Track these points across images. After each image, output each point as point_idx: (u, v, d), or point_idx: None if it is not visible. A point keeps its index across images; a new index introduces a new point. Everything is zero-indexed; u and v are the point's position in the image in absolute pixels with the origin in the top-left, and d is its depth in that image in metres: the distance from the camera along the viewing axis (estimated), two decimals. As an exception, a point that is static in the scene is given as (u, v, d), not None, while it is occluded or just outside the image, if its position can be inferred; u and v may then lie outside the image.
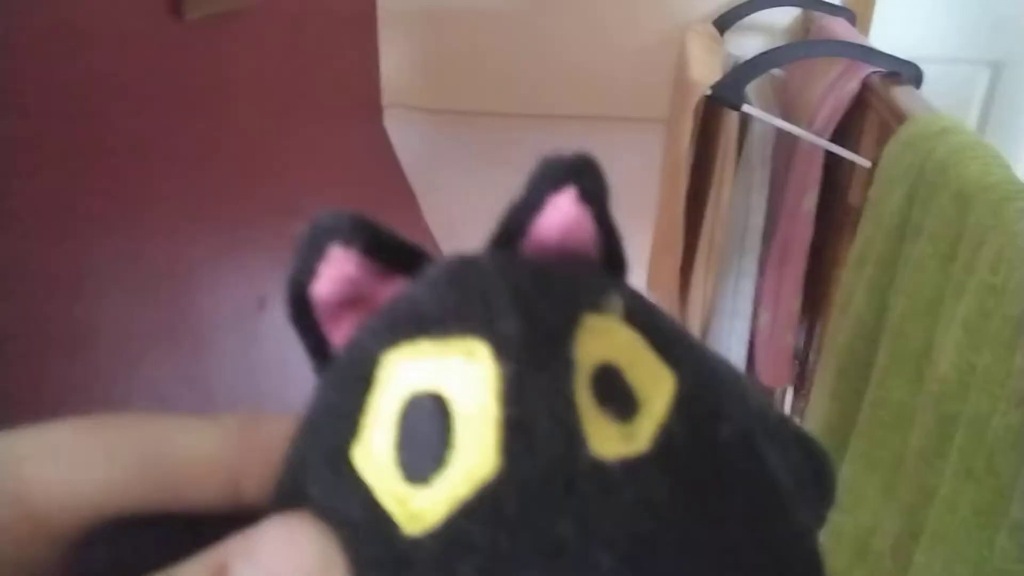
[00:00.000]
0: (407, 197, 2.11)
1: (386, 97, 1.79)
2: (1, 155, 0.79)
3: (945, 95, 1.22)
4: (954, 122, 0.94)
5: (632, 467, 0.16)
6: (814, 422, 1.11)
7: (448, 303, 0.19)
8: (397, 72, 1.78)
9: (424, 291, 0.19)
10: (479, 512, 0.16)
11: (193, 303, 1.13)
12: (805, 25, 1.56)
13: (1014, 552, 0.60)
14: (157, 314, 1.04)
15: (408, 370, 0.18)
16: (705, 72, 1.25)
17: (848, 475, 0.95)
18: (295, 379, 1.47)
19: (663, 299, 1.42)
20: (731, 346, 1.40)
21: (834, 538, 0.98)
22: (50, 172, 0.85)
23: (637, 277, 1.57)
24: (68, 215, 0.88)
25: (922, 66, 1.17)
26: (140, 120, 1.00)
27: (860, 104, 1.23)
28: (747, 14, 1.52)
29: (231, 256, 1.23)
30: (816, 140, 1.19)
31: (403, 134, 1.86)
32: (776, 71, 1.41)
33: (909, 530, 0.81)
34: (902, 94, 1.11)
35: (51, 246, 0.85)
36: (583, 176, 0.21)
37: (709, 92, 1.21)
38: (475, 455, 0.16)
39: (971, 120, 1.54)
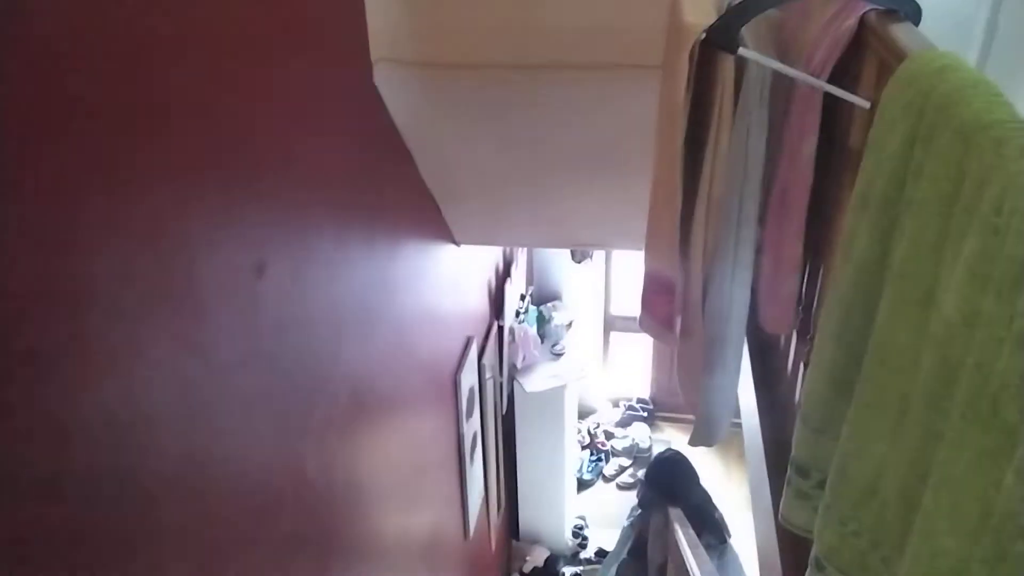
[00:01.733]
0: (402, 153, 2.08)
1: (375, 51, 1.76)
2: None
3: (943, 32, 1.19)
4: (954, 59, 0.92)
5: None
6: (818, 367, 1.11)
7: None
8: (383, 23, 1.74)
9: None
10: None
11: (192, 267, 1.12)
12: (800, -37, 1.52)
13: (1021, 493, 0.60)
14: (155, 278, 1.04)
15: None
16: (699, 15, 1.23)
17: (854, 420, 0.96)
18: (295, 341, 1.47)
19: (665, 248, 1.41)
20: (734, 294, 1.39)
21: (841, 481, 0.98)
22: (45, 134, 0.84)
23: (639, 226, 1.56)
24: (62, 179, 0.86)
25: (921, 1, 1.14)
26: (132, 82, 0.98)
27: (858, 43, 1.20)
28: (741, -47, 1.48)
29: (229, 223, 1.22)
30: (814, 82, 1.17)
31: (394, 89, 1.83)
32: (771, 11, 1.38)
33: (915, 473, 0.81)
34: (900, 31, 1.09)
35: (45, 209, 0.84)
36: None
37: (703, 36, 1.18)
38: None
39: (971, 56, 1.51)
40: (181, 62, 1.09)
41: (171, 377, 1.07)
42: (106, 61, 0.94)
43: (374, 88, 1.81)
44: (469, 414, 3.13)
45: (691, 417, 1.68)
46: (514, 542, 4.73)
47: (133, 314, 0.99)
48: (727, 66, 1.19)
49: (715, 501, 3.32)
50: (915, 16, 1.12)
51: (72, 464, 0.89)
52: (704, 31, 1.17)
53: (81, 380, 0.90)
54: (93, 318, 0.92)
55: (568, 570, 4.63)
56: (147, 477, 1.03)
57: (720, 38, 1.18)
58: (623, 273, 5.53)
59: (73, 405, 0.89)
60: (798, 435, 1.21)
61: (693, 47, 1.18)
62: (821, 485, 1.16)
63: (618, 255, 5.48)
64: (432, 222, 2.48)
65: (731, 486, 5.07)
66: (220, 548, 1.23)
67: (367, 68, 1.78)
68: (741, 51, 1.16)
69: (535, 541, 4.72)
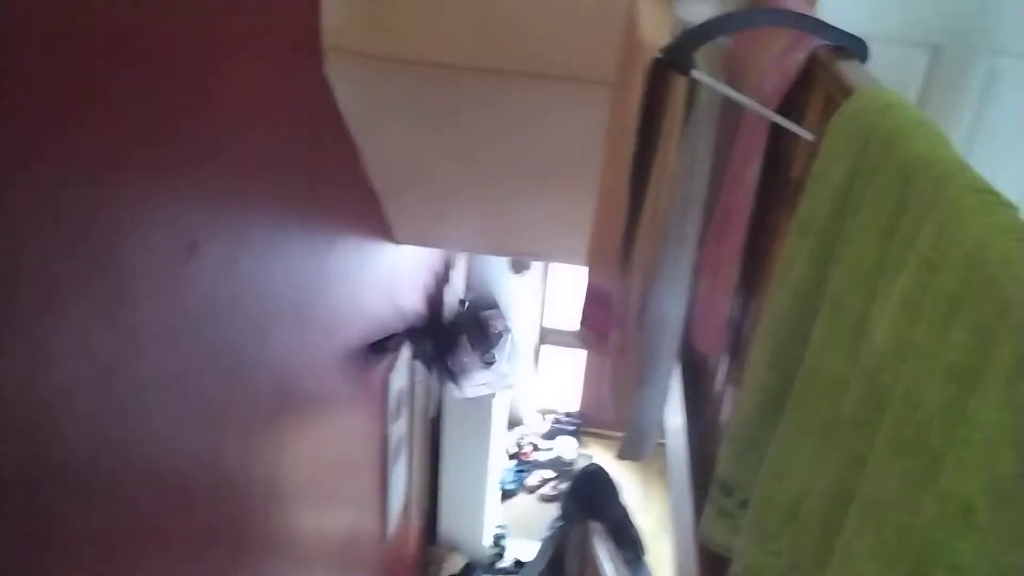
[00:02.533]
0: (347, 145, 2.05)
1: (328, 39, 1.72)
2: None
3: (885, 75, 1.24)
4: (899, 98, 0.95)
5: None
6: (749, 389, 1.13)
7: None
8: (339, 11, 1.71)
9: None
10: None
11: (118, 250, 1.07)
12: (756, -7, 1.56)
13: (942, 521, 0.61)
14: (80, 262, 0.99)
15: None
16: (655, 34, 1.24)
17: (782, 442, 0.97)
18: (223, 326, 1.42)
19: (606, 263, 1.42)
20: (670, 312, 1.41)
21: (765, 503, 1.00)
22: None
23: (581, 240, 1.57)
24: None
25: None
26: (61, 59, 0.93)
27: (807, 77, 1.23)
28: (699, -22, 1.51)
29: (159, 200, 1.17)
30: (762, 110, 1.19)
31: (344, 80, 1.79)
32: (724, 38, 1.41)
33: (840, 496, 0.83)
34: (848, 68, 1.12)
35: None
36: None
37: (659, 55, 1.19)
38: None
39: (911, 97, 1.57)
40: (116, 35, 1.04)
41: (85, 351, 1.02)
42: (38, 35, 0.89)
43: (324, 77, 1.78)
44: (397, 416, 3.09)
45: (617, 434, 1.70)
46: (432, 547, 4.69)
47: (50, 281, 0.94)
48: (679, 87, 1.21)
49: (633, 518, 3.36)
50: (863, 55, 1.15)
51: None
52: (660, 51, 1.18)
53: (-10, 354, 0.85)
54: (7, 282, 0.87)
55: (484, 579, 4.61)
56: (55, 457, 0.98)
57: (675, 59, 1.19)
58: (560, 287, 5.56)
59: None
60: (723, 454, 1.23)
61: (647, 65, 1.19)
62: (743, 505, 1.18)
63: (556, 268, 5.52)
64: (373, 218, 2.45)
65: (650, 504, 5.14)
66: (130, 537, 1.18)
67: (318, 55, 1.74)
68: (694, 73, 1.18)
69: (454, 548, 4.68)
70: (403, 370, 3.12)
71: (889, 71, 1.13)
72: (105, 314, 1.06)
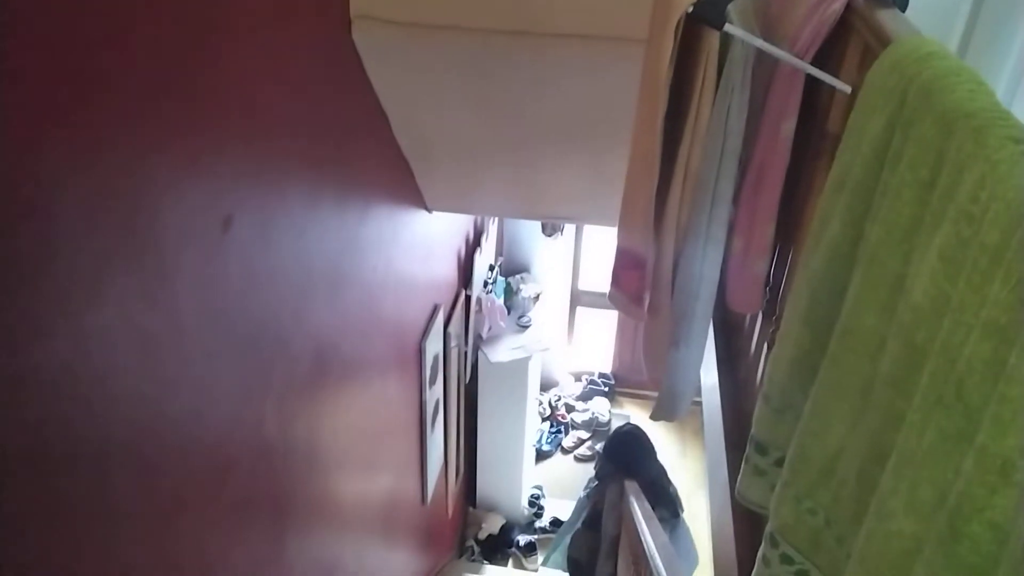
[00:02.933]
0: (377, 114, 2.05)
1: (355, 7, 1.71)
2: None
3: (925, 23, 1.20)
4: (939, 46, 0.92)
5: None
6: (783, 348, 1.12)
7: None
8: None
9: None
10: None
11: (156, 221, 1.09)
12: (789, -58, 1.51)
13: (979, 476, 0.61)
14: (118, 232, 1.01)
15: None
16: (687, -11, 1.21)
17: (817, 400, 0.97)
18: (260, 298, 1.44)
19: (638, 223, 1.41)
20: (703, 272, 1.40)
21: (800, 461, 1.00)
22: (6, 74, 0.80)
23: (612, 202, 1.56)
24: (25, 119, 0.83)
25: (907, -12, 1.14)
26: (101, 26, 0.94)
27: (843, 27, 1.20)
28: (731, -71, 1.47)
29: (195, 173, 1.19)
30: (797, 63, 1.17)
31: (373, 48, 1.79)
32: (758, -10, 1.37)
33: (875, 454, 0.82)
34: (887, 17, 1.09)
35: (5, 148, 0.81)
36: None
37: (690, 10, 1.17)
38: None
39: (952, 46, 1.52)
40: (154, 10, 1.05)
41: (128, 328, 1.05)
42: (76, 4, 0.90)
43: (352, 45, 1.77)
44: (432, 381, 3.13)
45: (651, 394, 1.70)
46: (471, 509, 4.77)
47: (93, 261, 0.96)
48: (712, 42, 1.18)
49: (670, 476, 3.38)
50: (902, 3, 1.12)
51: (21, 415, 0.87)
52: (691, 4, 1.16)
53: (34, 328, 0.87)
54: (51, 264, 0.89)
55: (523, 538, 4.68)
56: (99, 431, 1.01)
57: (707, 13, 1.17)
58: (592, 249, 5.54)
59: (25, 353, 0.86)
60: (759, 413, 1.22)
61: (679, 20, 1.17)
62: (779, 463, 1.18)
63: (588, 231, 5.49)
64: (404, 187, 2.45)
65: (686, 462, 5.16)
66: (174, 507, 1.22)
67: (346, 24, 1.74)
68: (727, 27, 1.15)
69: (491, 509, 4.76)
70: (437, 336, 3.14)
71: (930, 19, 1.10)
72: (146, 290, 1.08)
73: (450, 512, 4.04)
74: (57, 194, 0.89)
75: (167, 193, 1.11)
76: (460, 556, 4.52)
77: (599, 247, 5.49)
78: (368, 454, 2.38)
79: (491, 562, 4.52)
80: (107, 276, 0.99)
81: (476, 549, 4.57)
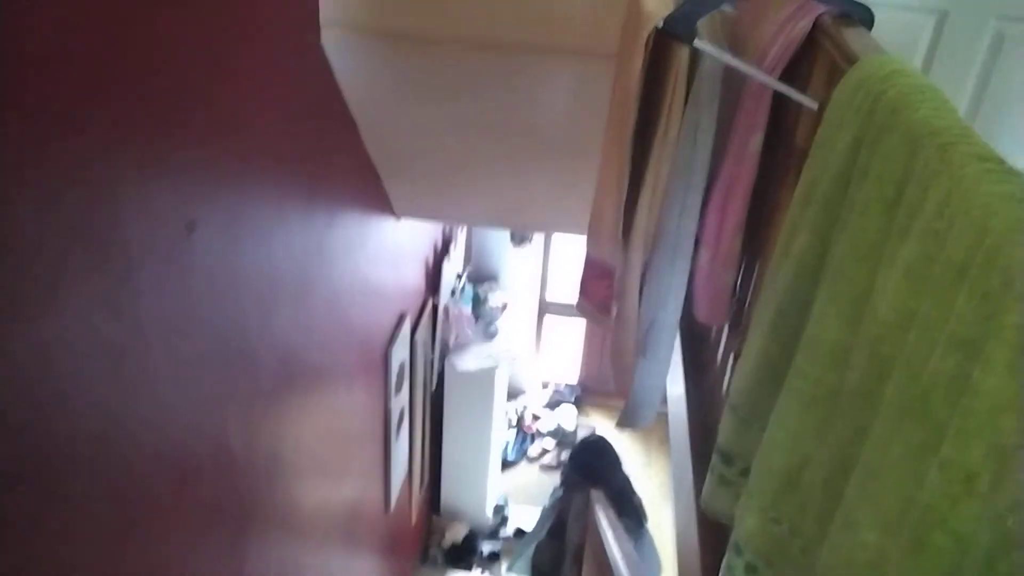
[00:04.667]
0: (346, 120, 2.03)
1: (325, 13, 1.70)
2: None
3: (890, 42, 1.23)
4: (904, 64, 0.94)
5: None
6: (750, 359, 1.13)
7: None
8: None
9: None
10: None
11: (119, 231, 1.07)
12: (758, -40, 1.53)
13: (943, 488, 0.62)
14: (83, 245, 0.98)
15: None
16: (658, 4, 1.22)
17: (782, 411, 0.98)
18: (225, 305, 1.42)
19: (607, 234, 1.41)
20: (672, 283, 1.41)
21: (766, 471, 1.01)
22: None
23: (582, 212, 1.56)
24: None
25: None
26: (66, 36, 0.92)
27: (810, 44, 1.22)
28: (701, -55, 1.49)
29: (158, 175, 1.17)
30: (765, 79, 1.18)
31: (342, 55, 1.78)
32: (727, 7, 1.39)
33: (840, 465, 0.83)
34: (853, 35, 1.11)
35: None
36: None
37: (661, 25, 1.18)
38: None
39: (916, 63, 1.55)
40: (117, 15, 1.03)
41: (92, 335, 1.02)
42: (43, 21, 0.88)
43: (321, 51, 1.76)
44: (398, 389, 3.11)
45: (618, 404, 1.70)
46: (435, 517, 4.74)
47: (52, 263, 0.94)
48: (682, 56, 1.19)
49: (635, 486, 3.39)
50: (868, 22, 1.14)
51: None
52: (662, 19, 1.17)
53: (-6, 331, 0.85)
54: (6, 264, 0.86)
55: (487, 546, 4.66)
56: (57, 435, 0.98)
57: (677, 28, 1.18)
58: (561, 259, 5.56)
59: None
60: (725, 423, 1.23)
61: (650, 35, 1.18)
62: (744, 473, 1.18)
63: (557, 240, 5.51)
64: (372, 193, 2.44)
65: (651, 472, 5.18)
66: (133, 514, 1.19)
67: (315, 29, 1.72)
68: (696, 42, 1.17)
69: (455, 517, 4.73)
70: (404, 344, 3.12)
71: (894, 37, 1.12)
72: (109, 297, 1.06)
73: (414, 520, 4.01)
74: (7, 190, 0.87)
75: (129, 194, 1.09)
76: (424, 564, 4.49)
77: (567, 257, 5.51)
78: (332, 462, 2.35)
79: (455, 570, 4.49)
80: (70, 280, 0.96)
81: (440, 557, 4.54)
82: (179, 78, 1.20)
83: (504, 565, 4.50)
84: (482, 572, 4.54)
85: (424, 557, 4.51)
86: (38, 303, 0.92)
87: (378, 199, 2.51)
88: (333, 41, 1.74)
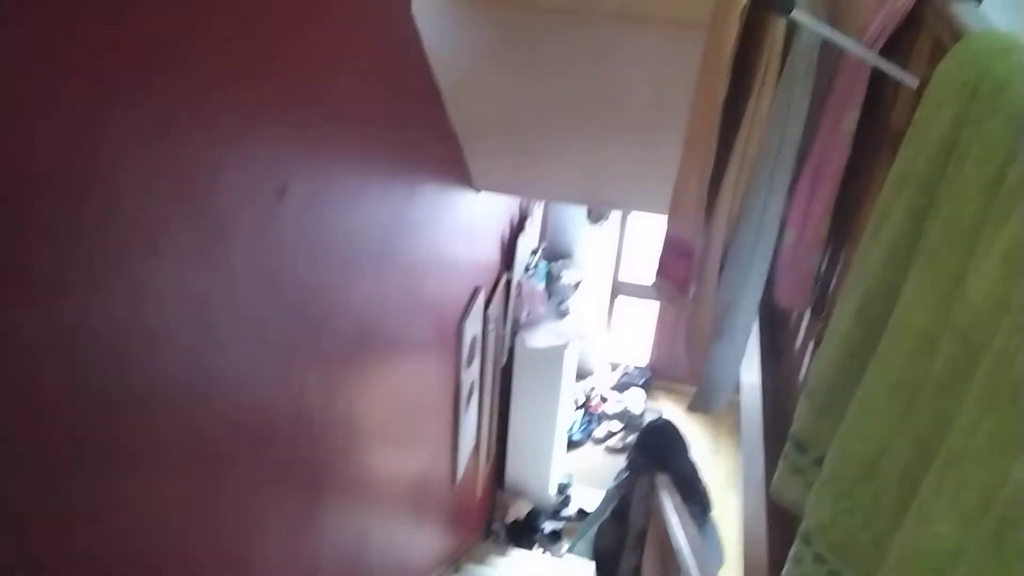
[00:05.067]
0: (431, 90, 2.05)
1: (416, -18, 1.72)
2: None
3: (1001, 17, 1.16)
4: (1015, 42, 0.89)
5: None
6: (831, 345, 1.10)
7: None
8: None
9: None
10: None
11: (215, 189, 1.11)
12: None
13: (1031, 481, 0.59)
14: (179, 193, 1.03)
15: None
16: (754, -26, 1.19)
17: (863, 399, 0.95)
18: (310, 268, 1.46)
19: (689, 211, 1.39)
20: (753, 264, 1.38)
21: (842, 460, 0.98)
22: (78, 39, 0.82)
23: (663, 189, 1.54)
24: (96, 84, 0.85)
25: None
26: (165, 6, 0.96)
27: (913, 19, 1.16)
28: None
29: (254, 142, 1.21)
30: (866, 54, 1.14)
31: (432, 23, 1.79)
32: (827, -21, 1.34)
33: (920, 456, 0.81)
34: (960, 10, 1.05)
35: (75, 109, 0.83)
36: None
37: (757, -5, 1.15)
38: None
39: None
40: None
41: (184, 288, 1.07)
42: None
43: (411, 19, 1.78)
44: (469, 363, 3.14)
45: (687, 390, 1.69)
46: (499, 492, 4.80)
47: (153, 220, 0.98)
48: (777, 28, 1.16)
49: (701, 473, 3.35)
50: (978, -5, 1.08)
51: (79, 370, 0.89)
52: (758, -11, 1.14)
53: (91, 278, 0.90)
54: (112, 220, 0.91)
55: (549, 525, 4.69)
56: (149, 387, 1.03)
57: (773, -1, 1.14)
58: (636, 239, 5.50)
59: (84, 310, 0.89)
60: (801, 411, 1.20)
61: (746, 4, 1.15)
62: (818, 462, 1.16)
63: (633, 220, 5.45)
64: (453, 165, 2.46)
65: (719, 460, 5.11)
66: (215, 466, 1.24)
67: (405, -2, 1.74)
68: (794, 14, 1.13)
69: (519, 493, 4.78)
70: (477, 318, 3.16)
71: (1006, 13, 1.06)
72: (202, 251, 1.10)
73: (479, 494, 4.07)
74: (123, 154, 0.91)
75: (226, 159, 1.13)
76: (487, 538, 4.55)
77: (643, 237, 5.44)
78: (403, 430, 2.40)
79: (517, 547, 4.54)
80: (166, 233, 1.01)
81: (502, 533, 4.60)
82: (273, 43, 1.23)
83: (565, 545, 4.52)
84: (543, 551, 4.57)
85: (487, 532, 4.58)
86: (139, 254, 0.96)
87: (458, 171, 2.53)
88: (423, 8, 1.75)
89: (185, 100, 1.02)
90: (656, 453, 3.25)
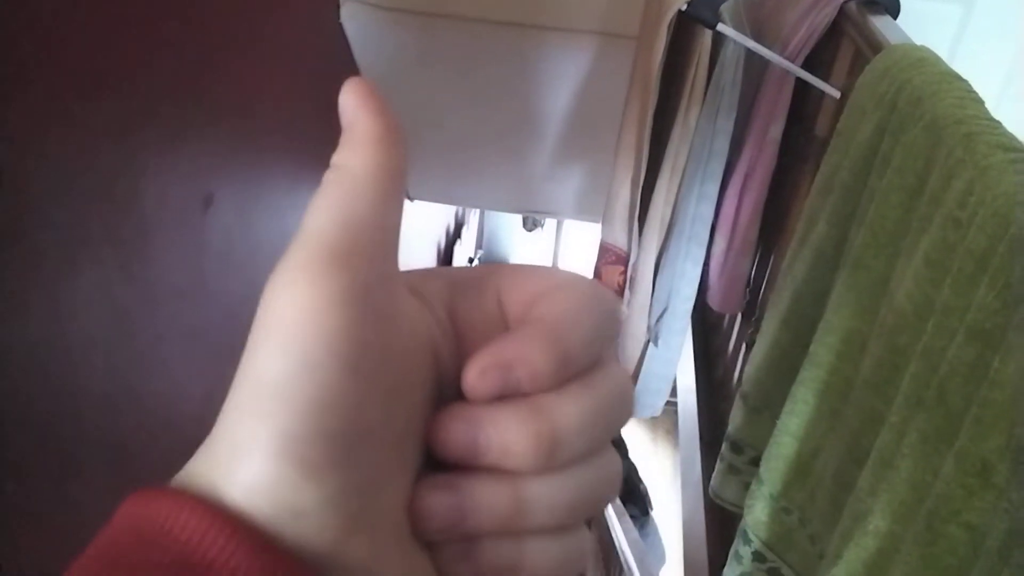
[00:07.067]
0: (363, 101, 2.02)
1: (345, -10, 1.70)
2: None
3: (916, 31, 1.21)
4: (931, 53, 0.93)
5: None
6: (763, 348, 1.13)
7: None
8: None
9: None
10: None
11: (137, 198, 1.07)
12: (783, -54, 1.52)
13: (958, 479, 0.62)
14: (101, 208, 0.99)
15: None
16: (681, -13, 1.21)
17: (795, 400, 0.98)
18: (238, 280, 1.43)
19: (622, 219, 1.41)
20: (686, 269, 1.40)
21: (777, 460, 1.00)
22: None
23: (597, 197, 1.56)
24: (9, 104, 0.81)
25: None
26: (90, 12, 0.92)
27: (834, 32, 1.21)
28: (726, -71, 1.47)
29: (178, 152, 1.17)
30: (789, 66, 1.17)
31: (361, 32, 1.77)
32: (751, -9, 1.38)
33: (853, 455, 0.83)
34: (879, 23, 1.10)
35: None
36: None
37: (684, 7, 1.17)
38: None
39: (941, 54, 1.53)
40: (146, 3, 1.03)
41: (109, 302, 1.03)
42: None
43: (340, 28, 1.75)
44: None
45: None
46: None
47: (74, 233, 0.94)
48: (704, 41, 1.18)
49: (640, 474, 3.40)
50: (894, 10, 1.13)
51: (-4, 384, 0.85)
52: (686, 2, 1.16)
53: (14, 298, 0.85)
54: (25, 235, 0.87)
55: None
56: (76, 407, 0.99)
57: (701, 11, 1.17)
58: (572, 245, 5.55)
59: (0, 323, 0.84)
60: (736, 412, 1.23)
61: (673, 17, 1.17)
62: (754, 462, 1.18)
63: (568, 226, 5.50)
64: (387, 174, 2.43)
65: (657, 461, 5.19)
66: (141, 484, 1.20)
67: (335, 7, 1.72)
68: (720, 27, 1.16)
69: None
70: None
71: (920, 27, 1.11)
72: (125, 264, 1.06)
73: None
74: (31, 160, 0.87)
75: (148, 166, 1.09)
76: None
77: (579, 244, 5.50)
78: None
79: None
80: (87, 246, 0.97)
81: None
82: (201, 51, 1.20)
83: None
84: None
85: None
86: (55, 266, 0.92)
87: (392, 180, 2.50)
88: (351, 18, 1.73)
89: (108, 110, 0.98)
90: (595, 457, 3.28)
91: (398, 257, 0.22)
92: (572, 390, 0.21)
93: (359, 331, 0.19)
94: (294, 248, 0.22)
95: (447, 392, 0.22)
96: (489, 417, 0.20)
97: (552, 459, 0.20)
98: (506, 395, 0.20)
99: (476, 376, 0.20)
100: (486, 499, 0.20)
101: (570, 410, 0.21)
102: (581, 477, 0.21)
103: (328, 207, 0.21)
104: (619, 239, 1.50)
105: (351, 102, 0.23)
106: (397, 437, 0.20)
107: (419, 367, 0.22)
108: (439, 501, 0.20)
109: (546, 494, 0.21)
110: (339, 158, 0.22)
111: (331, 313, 0.19)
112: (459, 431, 0.20)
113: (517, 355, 0.20)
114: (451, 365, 0.22)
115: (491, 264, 0.26)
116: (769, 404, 1.13)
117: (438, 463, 0.21)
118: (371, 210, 0.21)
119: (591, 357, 0.22)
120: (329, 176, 0.22)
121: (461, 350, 0.23)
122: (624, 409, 0.23)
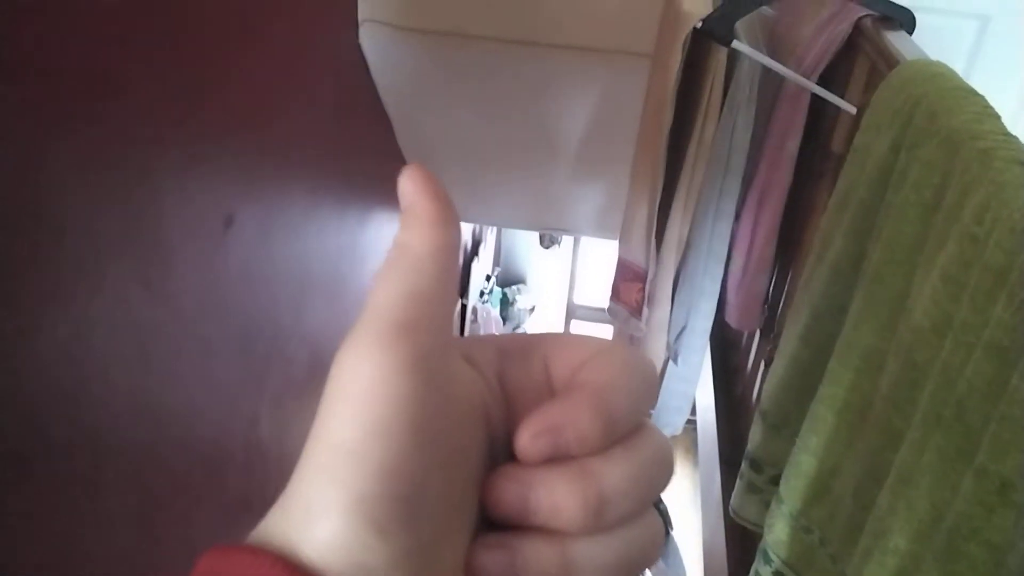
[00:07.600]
0: (380, 118, 2.05)
1: (363, 11, 1.72)
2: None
3: (932, 46, 1.21)
4: (946, 68, 0.93)
5: None
6: (782, 365, 1.12)
7: None
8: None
9: None
10: None
11: (159, 219, 1.09)
12: (798, -37, 1.52)
13: (978, 497, 0.61)
14: (124, 220, 1.00)
15: None
16: (696, 4, 1.22)
17: (814, 418, 0.97)
18: (259, 298, 1.44)
19: (640, 237, 1.41)
20: (704, 287, 1.40)
21: (795, 478, 1.00)
22: (22, 64, 0.80)
23: (615, 215, 1.56)
24: (35, 112, 0.83)
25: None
26: (111, 25, 0.94)
27: (850, 47, 1.21)
28: (741, -52, 1.48)
29: (199, 169, 1.19)
30: (804, 83, 1.17)
31: (379, 52, 1.79)
32: (766, 8, 1.38)
33: (872, 473, 0.82)
34: (894, 38, 1.10)
35: (16, 132, 0.81)
36: None
37: (699, 25, 1.18)
38: None
39: (958, 69, 1.53)
40: (161, 4, 1.05)
41: (129, 318, 1.04)
42: (83, 4, 0.90)
43: (359, 49, 1.78)
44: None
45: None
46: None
47: (94, 249, 0.96)
48: (719, 58, 1.19)
49: (660, 494, 3.37)
50: (909, 25, 1.13)
51: (14, 400, 0.86)
52: (700, 20, 1.16)
53: (38, 312, 0.87)
54: (53, 247, 0.89)
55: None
56: (94, 423, 1.00)
57: (715, 29, 1.17)
58: (589, 263, 5.54)
59: (24, 337, 0.86)
60: (755, 430, 1.22)
61: (687, 35, 1.17)
62: (774, 480, 1.17)
63: (586, 244, 5.49)
64: (405, 192, 2.45)
65: (677, 480, 5.14)
66: (165, 502, 1.21)
67: (353, 27, 1.74)
68: (735, 44, 1.16)
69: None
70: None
71: (936, 42, 1.11)
72: (145, 281, 1.08)
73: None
74: (64, 179, 0.89)
75: (171, 187, 1.11)
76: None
77: (596, 261, 5.49)
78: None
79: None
80: (107, 262, 0.99)
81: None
82: (219, 73, 1.22)
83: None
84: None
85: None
86: (75, 282, 0.94)
87: (411, 199, 2.52)
88: (370, 38, 1.75)
89: (131, 128, 1.00)
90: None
91: (453, 328, 0.23)
92: (617, 453, 0.22)
93: (424, 398, 0.21)
94: (363, 321, 0.23)
95: (498, 454, 0.23)
96: (539, 479, 0.21)
97: (599, 520, 0.21)
98: (555, 457, 0.21)
99: (529, 439, 0.21)
100: (536, 558, 0.21)
101: (616, 472, 0.22)
102: (626, 537, 0.22)
103: (393, 283, 0.23)
104: (637, 256, 1.50)
105: (410, 187, 0.25)
106: (456, 498, 0.22)
107: (474, 430, 0.23)
108: (493, 560, 0.22)
109: (593, 554, 0.22)
110: (402, 237, 0.24)
111: (399, 381, 0.20)
112: (511, 492, 0.22)
113: (566, 419, 0.21)
114: (501, 428, 0.24)
115: (537, 333, 0.27)
116: (788, 422, 1.12)
117: (491, 522, 0.22)
118: (432, 285, 0.23)
119: (634, 421, 0.23)
120: (393, 254, 0.24)
121: (510, 414, 0.24)
122: (665, 471, 0.24)
